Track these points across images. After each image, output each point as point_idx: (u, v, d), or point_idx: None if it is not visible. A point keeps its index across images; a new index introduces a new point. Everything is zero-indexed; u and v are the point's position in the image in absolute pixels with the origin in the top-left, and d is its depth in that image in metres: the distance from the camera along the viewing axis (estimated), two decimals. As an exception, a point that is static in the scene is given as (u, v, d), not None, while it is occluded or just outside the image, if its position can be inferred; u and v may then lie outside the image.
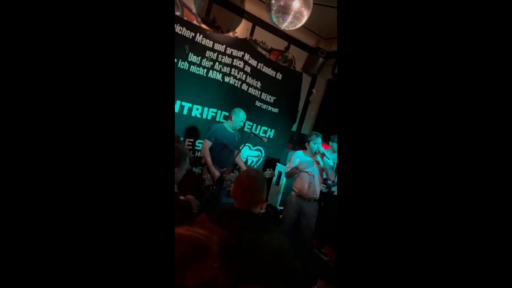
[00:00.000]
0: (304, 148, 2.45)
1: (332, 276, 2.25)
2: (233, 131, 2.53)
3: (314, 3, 2.09)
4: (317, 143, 2.29)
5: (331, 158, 2.30)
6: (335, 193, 2.77)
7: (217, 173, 2.31)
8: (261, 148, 3.70)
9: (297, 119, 4.13)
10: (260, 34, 3.52)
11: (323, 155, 2.24)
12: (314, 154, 2.31)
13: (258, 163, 3.66)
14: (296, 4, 1.97)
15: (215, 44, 3.05)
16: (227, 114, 3.09)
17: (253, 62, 3.33)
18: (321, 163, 2.29)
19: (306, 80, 4.01)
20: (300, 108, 4.10)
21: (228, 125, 2.52)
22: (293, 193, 2.38)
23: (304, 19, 2.10)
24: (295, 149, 4.09)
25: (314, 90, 4.09)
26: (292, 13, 2.00)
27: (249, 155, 3.60)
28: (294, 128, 4.16)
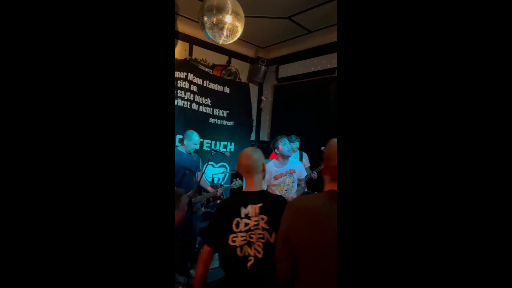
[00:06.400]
0: (265, 153, 2.37)
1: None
2: (190, 153, 2.51)
3: (245, 16, 2.18)
4: (285, 144, 2.15)
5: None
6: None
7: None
8: (225, 164, 3.64)
9: (254, 128, 4.19)
10: (199, 52, 3.52)
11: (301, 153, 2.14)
12: (288, 156, 2.16)
13: (225, 179, 3.59)
14: (228, 19, 2.02)
15: (155, 69, 2.95)
16: (181, 137, 2.98)
17: (198, 81, 3.30)
18: (301, 162, 2.19)
19: (253, 89, 4.12)
20: (254, 117, 4.17)
21: (182, 148, 2.50)
22: None
23: (239, 32, 2.16)
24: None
25: (263, 98, 4.21)
26: (227, 27, 2.05)
27: (214, 173, 3.51)
28: (253, 137, 4.21)
